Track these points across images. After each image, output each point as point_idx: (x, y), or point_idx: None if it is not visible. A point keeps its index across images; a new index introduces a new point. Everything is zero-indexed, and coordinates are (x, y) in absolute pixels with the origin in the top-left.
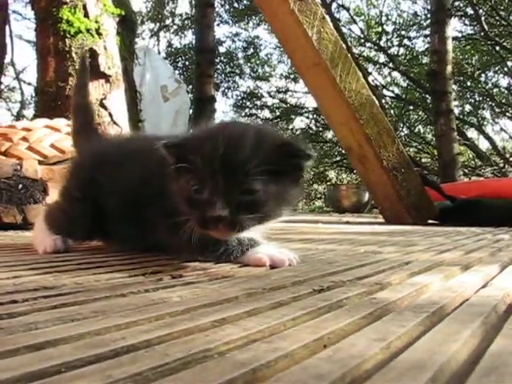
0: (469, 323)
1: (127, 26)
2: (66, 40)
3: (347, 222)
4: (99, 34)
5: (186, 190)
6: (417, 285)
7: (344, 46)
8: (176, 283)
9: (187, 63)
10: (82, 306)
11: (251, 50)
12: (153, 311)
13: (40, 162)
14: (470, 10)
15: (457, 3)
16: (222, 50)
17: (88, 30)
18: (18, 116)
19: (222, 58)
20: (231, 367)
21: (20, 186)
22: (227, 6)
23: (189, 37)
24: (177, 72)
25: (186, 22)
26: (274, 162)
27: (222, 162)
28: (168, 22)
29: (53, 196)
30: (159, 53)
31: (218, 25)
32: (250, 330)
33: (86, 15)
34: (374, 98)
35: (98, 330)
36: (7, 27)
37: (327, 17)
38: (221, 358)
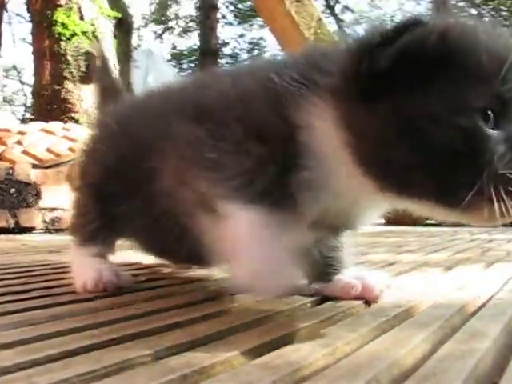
0: (427, 327)
1: (123, 29)
2: (62, 43)
3: None
4: (95, 37)
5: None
6: (390, 287)
7: None
8: (140, 287)
9: (192, 65)
10: (46, 311)
11: (256, 52)
12: (110, 315)
13: (34, 166)
14: (472, 11)
15: (460, 3)
16: (226, 51)
17: (84, 33)
18: (24, 119)
19: (227, 60)
20: (161, 373)
21: (12, 189)
22: (231, 7)
23: (193, 39)
24: (182, 74)
25: (190, 24)
26: None
27: None
28: (172, 24)
29: (46, 200)
30: (163, 55)
31: (223, 26)
32: (194, 336)
33: (82, 18)
34: None
35: (49, 334)
36: (9, 28)
37: (328, 19)
38: (154, 363)
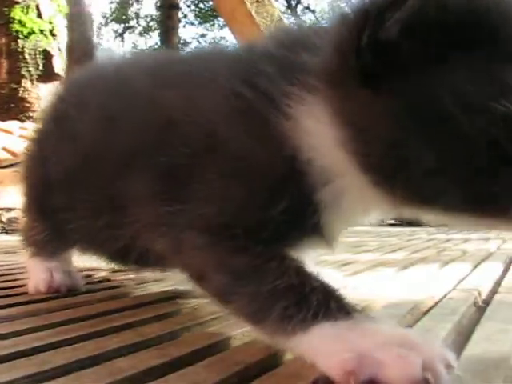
0: None
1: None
2: (19, 41)
3: None
4: (53, 35)
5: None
6: (346, 287)
7: None
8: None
9: None
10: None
11: None
12: (61, 316)
13: None
14: None
15: None
16: (187, 51)
17: (42, 31)
18: None
19: None
20: (108, 374)
21: None
22: (193, 7)
23: (154, 38)
24: None
25: (151, 23)
26: None
27: None
28: (133, 23)
29: (4, 200)
30: (124, 54)
31: (184, 26)
32: (145, 336)
33: (40, 16)
34: None
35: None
36: None
37: (289, 19)
38: (102, 364)
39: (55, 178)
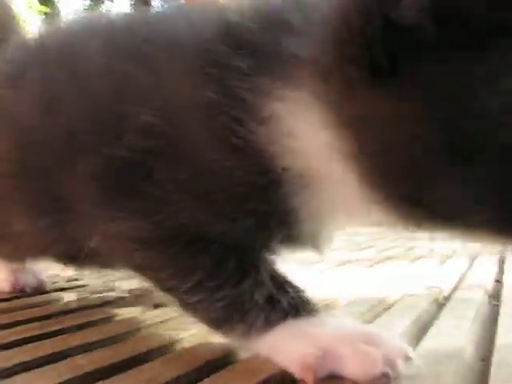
0: None
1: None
2: None
3: None
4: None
5: None
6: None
7: None
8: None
9: None
10: None
11: None
12: (24, 315)
13: None
14: None
15: None
16: None
17: None
18: None
19: None
20: (69, 371)
21: None
22: (165, 5)
23: None
24: None
25: None
26: None
27: None
28: None
29: None
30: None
31: None
32: (106, 334)
33: None
34: None
35: None
36: None
37: None
38: (63, 362)
39: None
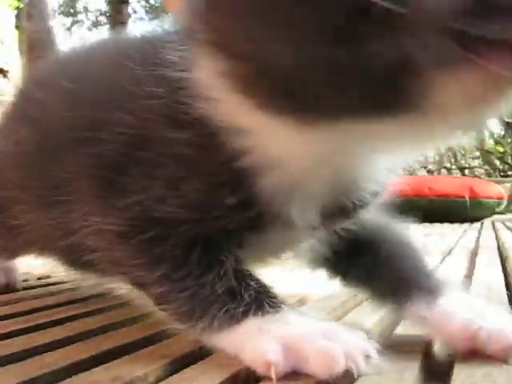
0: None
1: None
2: None
3: None
4: None
5: None
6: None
7: None
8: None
9: None
10: None
11: None
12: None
13: None
14: None
15: None
16: None
17: None
18: None
19: None
20: (36, 368)
21: None
22: (143, 2)
23: (103, 33)
24: None
25: (100, 17)
26: None
27: None
28: (81, 17)
29: None
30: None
31: (134, 21)
32: (76, 331)
33: None
34: None
35: None
36: None
37: None
38: (31, 359)
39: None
